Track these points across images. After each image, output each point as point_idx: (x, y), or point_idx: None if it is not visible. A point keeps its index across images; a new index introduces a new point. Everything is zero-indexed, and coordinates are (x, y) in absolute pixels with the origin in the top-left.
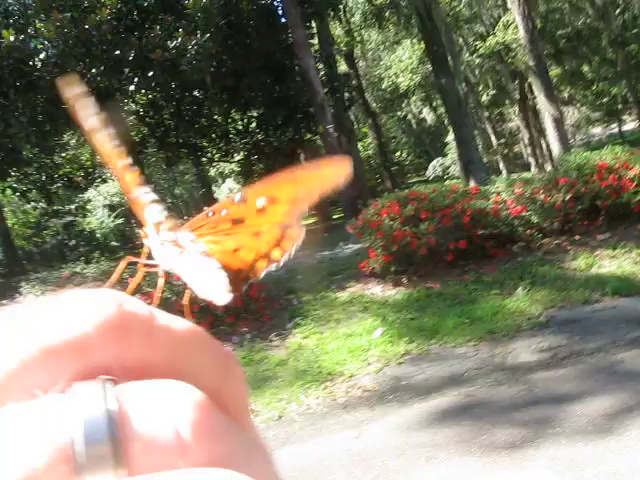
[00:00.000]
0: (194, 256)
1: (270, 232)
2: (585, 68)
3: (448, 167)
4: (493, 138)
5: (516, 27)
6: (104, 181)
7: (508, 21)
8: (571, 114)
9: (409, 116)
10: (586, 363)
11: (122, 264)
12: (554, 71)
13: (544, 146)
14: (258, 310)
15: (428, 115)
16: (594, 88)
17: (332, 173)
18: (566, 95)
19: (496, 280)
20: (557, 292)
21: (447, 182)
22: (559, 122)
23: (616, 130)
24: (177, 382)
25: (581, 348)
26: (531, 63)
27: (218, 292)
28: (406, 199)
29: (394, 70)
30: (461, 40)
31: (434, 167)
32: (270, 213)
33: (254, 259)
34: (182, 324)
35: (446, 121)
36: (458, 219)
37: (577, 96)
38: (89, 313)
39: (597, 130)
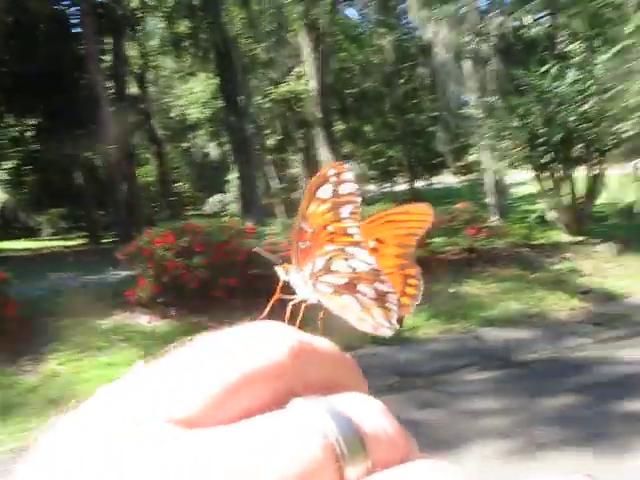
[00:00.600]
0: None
1: (393, 274)
2: (367, 128)
3: (227, 204)
4: (274, 182)
5: (308, 79)
6: None
7: (301, 72)
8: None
9: (194, 149)
10: None
11: (273, 301)
12: (338, 126)
13: None
14: (10, 330)
15: (213, 150)
16: (373, 148)
17: (420, 216)
18: (347, 150)
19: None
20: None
21: (225, 219)
22: None
23: (389, 189)
24: (360, 394)
25: None
26: (318, 116)
27: (385, 325)
28: (182, 231)
29: (185, 101)
30: (255, 82)
31: (214, 202)
32: (383, 254)
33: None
34: (327, 343)
35: (231, 159)
36: (232, 256)
37: (357, 153)
38: (279, 343)
39: (372, 187)
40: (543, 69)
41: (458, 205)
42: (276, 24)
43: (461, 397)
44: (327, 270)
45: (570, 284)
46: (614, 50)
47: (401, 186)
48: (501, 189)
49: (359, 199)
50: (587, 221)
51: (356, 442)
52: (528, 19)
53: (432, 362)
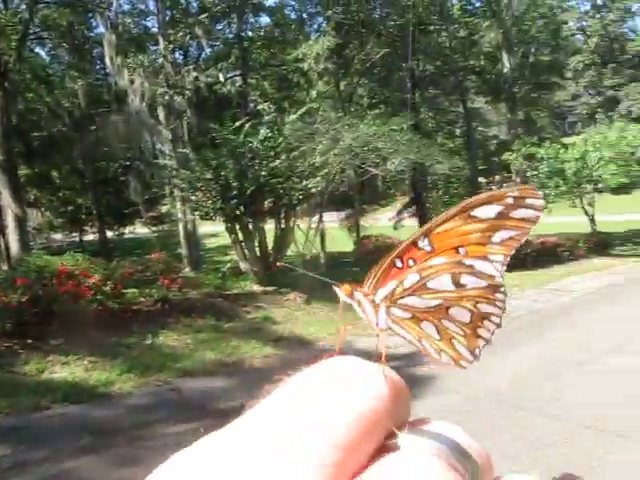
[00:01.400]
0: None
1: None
2: (55, 174)
3: None
4: None
5: None
6: None
7: None
8: (35, 216)
9: None
10: (33, 473)
11: (343, 330)
12: (23, 171)
13: (2, 245)
14: None
15: None
16: (61, 195)
17: (526, 208)
18: (32, 197)
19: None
20: (4, 398)
21: None
22: (22, 222)
23: (78, 239)
24: (444, 422)
25: (28, 457)
26: (0, 158)
27: (467, 358)
28: None
29: None
30: None
31: None
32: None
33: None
34: (398, 377)
35: None
36: None
37: (43, 199)
38: (377, 386)
39: (59, 236)
40: (236, 125)
41: (152, 256)
42: None
43: (161, 451)
44: (419, 288)
45: (264, 332)
46: (300, 112)
47: (91, 235)
48: (194, 240)
49: (532, 228)
50: (277, 271)
51: (476, 469)
52: (221, 76)
53: (129, 418)
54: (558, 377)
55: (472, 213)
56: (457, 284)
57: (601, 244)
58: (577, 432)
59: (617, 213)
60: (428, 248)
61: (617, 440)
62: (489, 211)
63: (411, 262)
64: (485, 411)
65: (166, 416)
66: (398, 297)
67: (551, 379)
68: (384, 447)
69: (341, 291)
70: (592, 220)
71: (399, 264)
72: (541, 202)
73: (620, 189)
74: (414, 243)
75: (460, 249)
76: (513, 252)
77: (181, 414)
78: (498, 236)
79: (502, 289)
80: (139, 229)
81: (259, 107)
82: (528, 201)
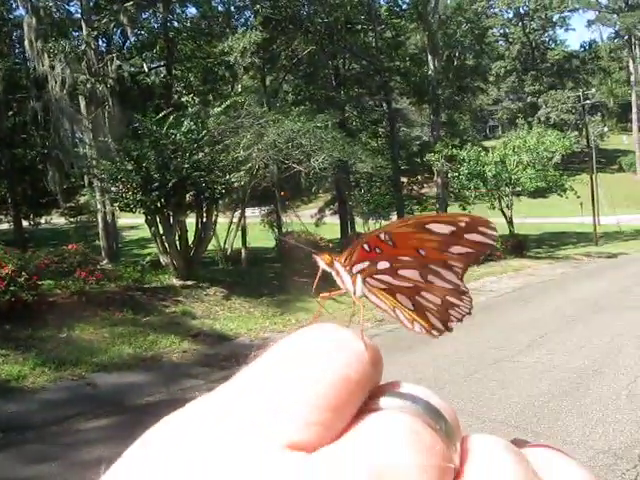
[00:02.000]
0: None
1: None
2: None
3: None
4: None
5: None
6: None
7: None
8: None
9: None
10: None
11: (322, 301)
12: None
13: None
14: None
15: None
16: None
17: (476, 229)
18: None
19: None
20: None
21: None
22: None
23: None
24: (412, 385)
25: None
26: None
27: (439, 327)
28: None
29: None
30: None
31: None
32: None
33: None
34: (371, 341)
35: None
36: None
37: None
38: (357, 352)
39: None
40: (160, 116)
41: (69, 247)
42: None
43: (76, 447)
44: (391, 272)
45: (182, 327)
46: (225, 105)
47: (5, 225)
48: (113, 232)
49: (486, 252)
50: (197, 266)
51: (449, 427)
52: (145, 66)
53: (42, 413)
54: (474, 375)
55: (427, 226)
56: (425, 280)
57: (518, 246)
58: (492, 429)
59: (533, 216)
60: (390, 243)
61: (530, 436)
62: (442, 229)
63: (377, 250)
64: None
65: (82, 411)
66: (374, 273)
67: (467, 377)
68: (363, 409)
69: (321, 260)
70: (510, 222)
71: (367, 248)
72: (493, 232)
73: (537, 193)
74: (377, 236)
75: (420, 250)
76: (470, 265)
77: (97, 409)
78: (454, 249)
79: (468, 294)
80: (56, 219)
81: (183, 99)
82: (480, 229)
